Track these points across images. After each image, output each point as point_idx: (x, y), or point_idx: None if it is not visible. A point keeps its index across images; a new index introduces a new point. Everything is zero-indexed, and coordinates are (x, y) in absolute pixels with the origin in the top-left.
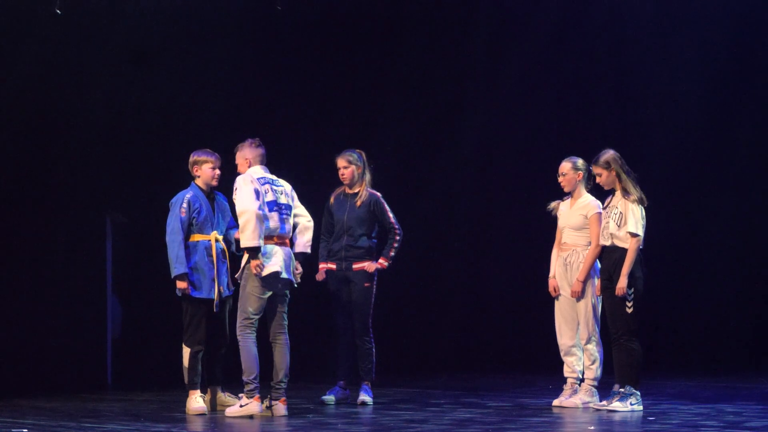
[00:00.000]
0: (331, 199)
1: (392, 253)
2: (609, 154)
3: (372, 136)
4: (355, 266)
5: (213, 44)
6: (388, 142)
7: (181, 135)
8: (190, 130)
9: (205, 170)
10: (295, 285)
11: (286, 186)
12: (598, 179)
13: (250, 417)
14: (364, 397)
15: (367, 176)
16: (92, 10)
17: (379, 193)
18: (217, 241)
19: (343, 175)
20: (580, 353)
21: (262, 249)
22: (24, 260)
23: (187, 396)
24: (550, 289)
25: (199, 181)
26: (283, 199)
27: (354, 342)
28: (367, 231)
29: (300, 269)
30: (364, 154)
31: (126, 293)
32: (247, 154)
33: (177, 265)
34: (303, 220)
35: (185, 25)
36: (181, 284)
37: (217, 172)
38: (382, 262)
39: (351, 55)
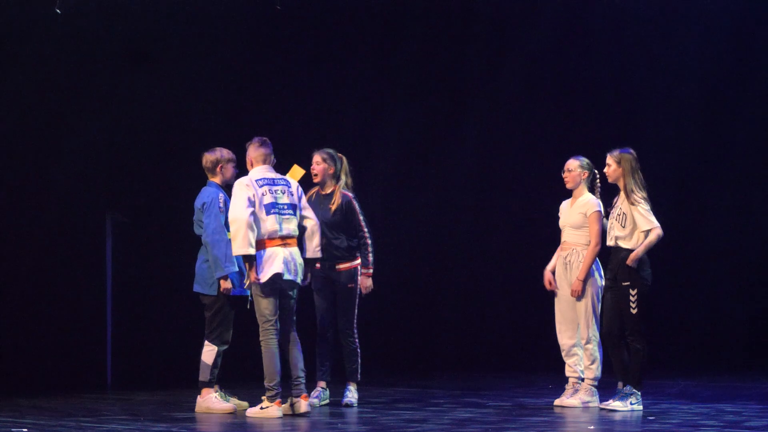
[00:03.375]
0: (304, 200)
1: (371, 259)
2: (627, 152)
3: (372, 136)
4: (338, 267)
5: (213, 44)
6: (389, 142)
7: (182, 135)
8: (191, 130)
9: (230, 168)
10: (301, 284)
11: (292, 184)
12: (606, 168)
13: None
14: (350, 398)
15: (344, 179)
16: (92, 10)
17: (352, 195)
18: None
19: (313, 170)
20: (581, 353)
21: (257, 255)
22: (24, 260)
23: (199, 394)
24: (545, 282)
25: (218, 179)
26: (284, 199)
27: (336, 342)
28: (344, 232)
29: (309, 278)
30: (344, 159)
31: (126, 293)
32: (250, 153)
33: (227, 264)
34: (310, 223)
35: (185, 25)
36: (225, 284)
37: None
38: (366, 272)
39: (351, 55)
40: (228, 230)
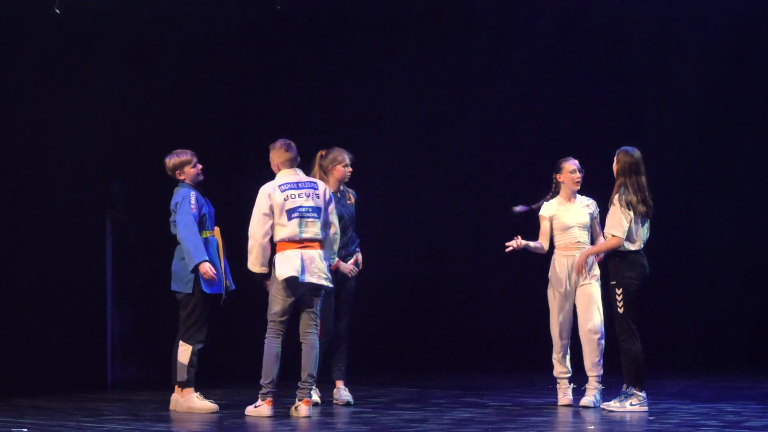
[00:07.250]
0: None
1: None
2: (633, 153)
3: (372, 136)
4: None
5: (213, 44)
6: (388, 142)
7: (181, 135)
8: (190, 130)
9: (189, 171)
10: (329, 285)
11: (320, 187)
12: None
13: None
14: (347, 397)
15: None
16: (92, 10)
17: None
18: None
19: (351, 171)
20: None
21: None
22: (24, 260)
23: (174, 392)
24: (515, 241)
25: (186, 183)
26: (309, 202)
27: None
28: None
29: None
30: None
31: (126, 293)
32: (275, 157)
33: (197, 253)
34: (332, 230)
35: (185, 25)
36: (203, 268)
37: (200, 166)
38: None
39: (351, 55)
40: (196, 227)
